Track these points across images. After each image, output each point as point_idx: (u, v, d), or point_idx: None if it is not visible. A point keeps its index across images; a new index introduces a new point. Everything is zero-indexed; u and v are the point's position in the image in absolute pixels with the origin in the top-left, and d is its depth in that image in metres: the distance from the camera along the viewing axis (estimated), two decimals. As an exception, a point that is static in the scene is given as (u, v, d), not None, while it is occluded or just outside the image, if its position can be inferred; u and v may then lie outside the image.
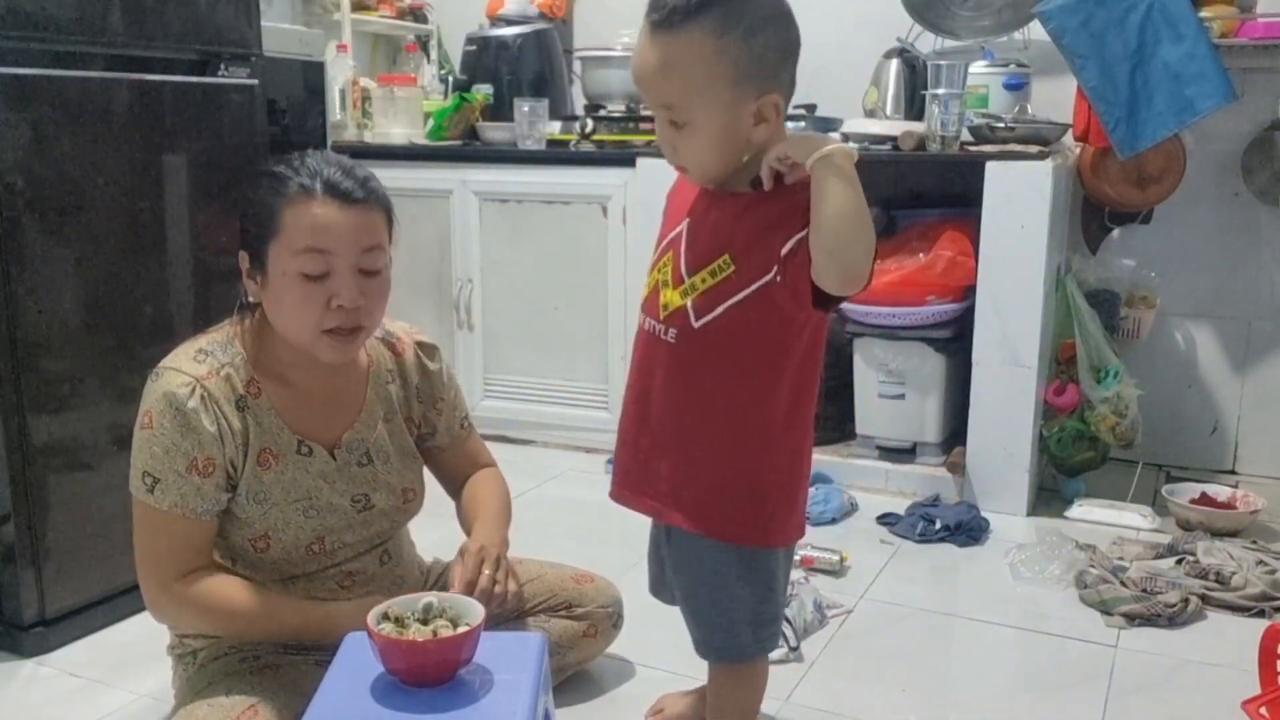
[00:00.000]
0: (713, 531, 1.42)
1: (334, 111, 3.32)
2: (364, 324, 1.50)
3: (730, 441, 1.40)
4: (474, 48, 3.57)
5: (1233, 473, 3.12)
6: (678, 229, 1.43)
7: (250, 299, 1.53)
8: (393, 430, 1.66)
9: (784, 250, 1.29)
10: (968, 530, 2.59)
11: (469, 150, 3.38)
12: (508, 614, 1.64)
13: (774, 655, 1.87)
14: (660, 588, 1.63)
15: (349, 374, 1.61)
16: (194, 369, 1.48)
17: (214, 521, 1.50)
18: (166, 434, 1.45)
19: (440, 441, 1.75)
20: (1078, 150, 2.98)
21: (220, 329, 1.56)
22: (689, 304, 1.37)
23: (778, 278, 1.31)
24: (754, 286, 1.33)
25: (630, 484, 1.50)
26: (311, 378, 1.56)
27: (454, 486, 1.80)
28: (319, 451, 1.56)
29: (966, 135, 2.81)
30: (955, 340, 2.86)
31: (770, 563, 1.46)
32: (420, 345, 1.72)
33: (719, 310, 1.35)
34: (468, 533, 1.71)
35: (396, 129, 3.45)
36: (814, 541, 2.45)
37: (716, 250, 1.36)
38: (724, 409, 1.39)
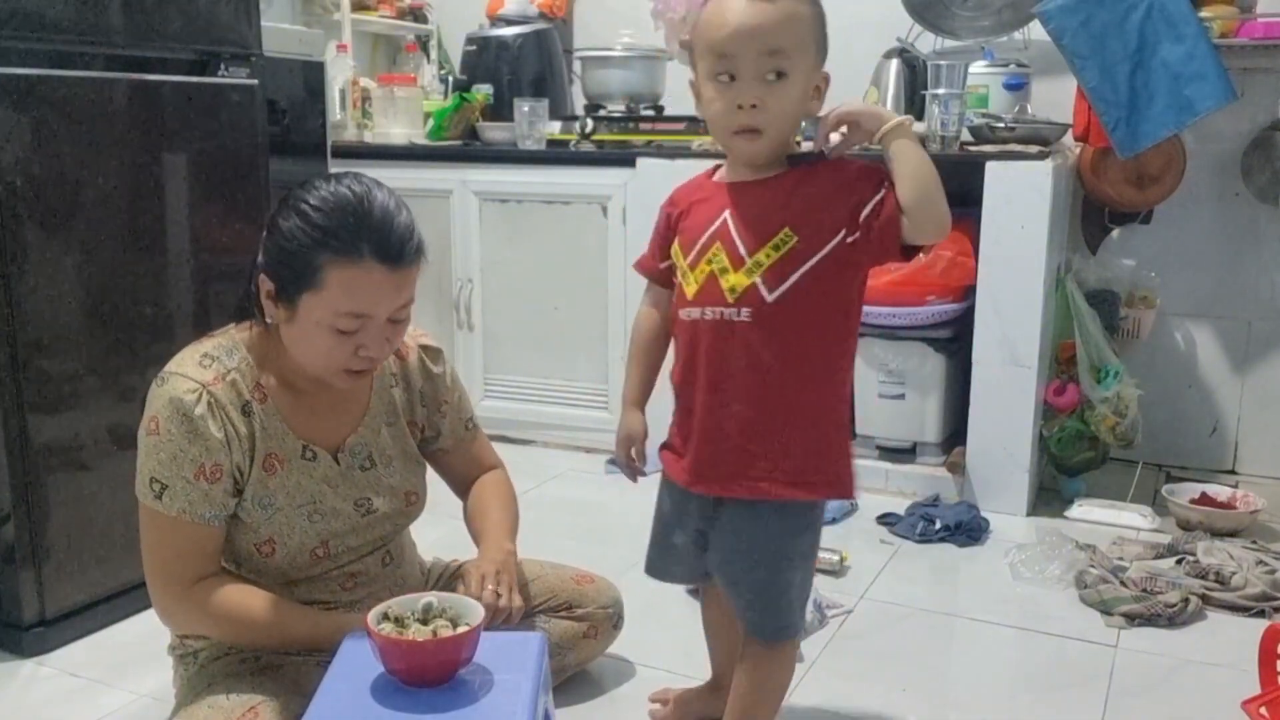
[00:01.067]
0: (814, 492, 1.47)
1: (334, 111, 3.32)
2: (381, 361, 1.53)
3: (816, 401, 1.45)
4: (474, 48, 3.57)
5: (1233, 473, 3.12)
6: (718, 220, 1.46)
7: (269, 320, 1.50)
8: (395, 434, 1.66)
9: (864, 214, 1.39)
10: (968, 530, 2.59)
11: (469, 150, 3.38)
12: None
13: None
14: (665, 569, 1.64)
15: None
16: (200, 374, 1.47)
17: (222, 527, 1.50)
18: (174, 440, 1.44)
19: (445, 444, 1.75)
20: (1078, 150, 2.98)
21: (225, 333, 1.56)
22: (758, 281, 1.41)
23: (849, 238, 1.39)
24: (824, 251, 1.41)
25: (719, 474, 1.48)
26: (317, 385, 1.56)
27: (461, 488, 1.80)
28: (323, 456, 1.56)
29: (966, 135, 2.81)
30: (955, 340, 2.86)
31: (820, 528, 1.53)
32: (424, 349, 1.72)
33: (792, 280, 1.41)
34: (475, 540, 1.71)
35: (396, 129, 3.45)
36: (814, 541, 2.45)
37: (774, 226, 1.42)
38: (808, 372, 1.44)
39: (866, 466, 2.95)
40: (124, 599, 2.10)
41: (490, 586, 1.54)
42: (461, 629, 1.28)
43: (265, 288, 1.47)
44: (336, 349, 1.45)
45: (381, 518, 1.62)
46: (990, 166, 2.68)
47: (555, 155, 3.24)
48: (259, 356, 1.53)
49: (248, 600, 1.50)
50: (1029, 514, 2.77)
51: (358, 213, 1.41)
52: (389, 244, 1.41)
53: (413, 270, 1.46)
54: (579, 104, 3.60)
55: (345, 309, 1.42)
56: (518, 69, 3.49)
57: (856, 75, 3.16)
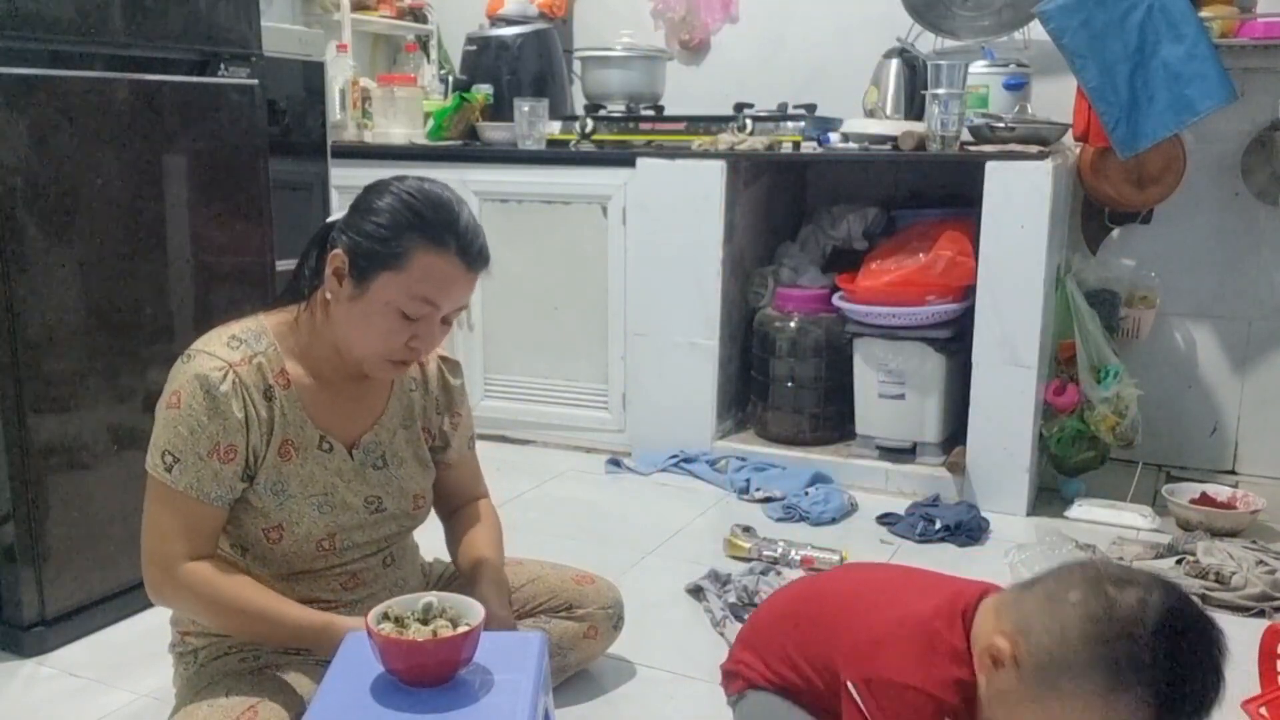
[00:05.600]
0: None
1: (334, 111, 3.31)
2: (422, 359, 1.56)
3: None
4: (474, 48, 3.57)
5: (1233, 473, 3.12)
6: None
7: (329, 297, 1.52)
8: (410, 437, 1.67)
9: None
10: (968, 530, 2.59)
11: (469, 150, 3.38)
12: None
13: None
14: None
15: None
16: (227, 354, 1.49)
17: (225, 511, 1.50)
18: (194, 415, 1.45)
19: (450, 458, 1.76)
20: (1078, 150, 2.98)
21: (254, 319, 1.57)
22: None
23: None
24: None
25: None
26: (342, 377, 1.57)
27: (449, 506, 1.80)
28: (339, 449, 1.57)
29: (966, 135, 2.81)
30: (955, 340, 2.86)
31: None
32: (444, 360, 1.74)
33: None
34: (465, 567, 1.71)
35: (396, 129, 3.45)
36: (814, 541, 2.45)
37: None
38: None
39: (866, 466, 2.95)
40: (124, 599, 2.10)
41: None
42: (461, 629, 1.28)
43: (336, 263, 1.50)
44: (394, 334, 1.48)
45: (388, 517, 1.63)
46: (990, 166, 2.68)
47: (555, 155, 3.24)
48: (285, 344, 1.55)
49: (240, 587, 1.49)
50: (1029, 514, 2.77)
51: (450, 210, 1.49)
52: (471, 245, 1.49)
53: (478, 277, 1.53)
54: (579, 104, 3.60)
55: (419, 293, 1.46)
56: (518, 69, 3.49)
57: (856, 75, 3.16)
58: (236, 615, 1.50)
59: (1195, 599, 1.19)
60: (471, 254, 1.49)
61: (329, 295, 1.52)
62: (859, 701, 1.28)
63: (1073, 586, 1.18)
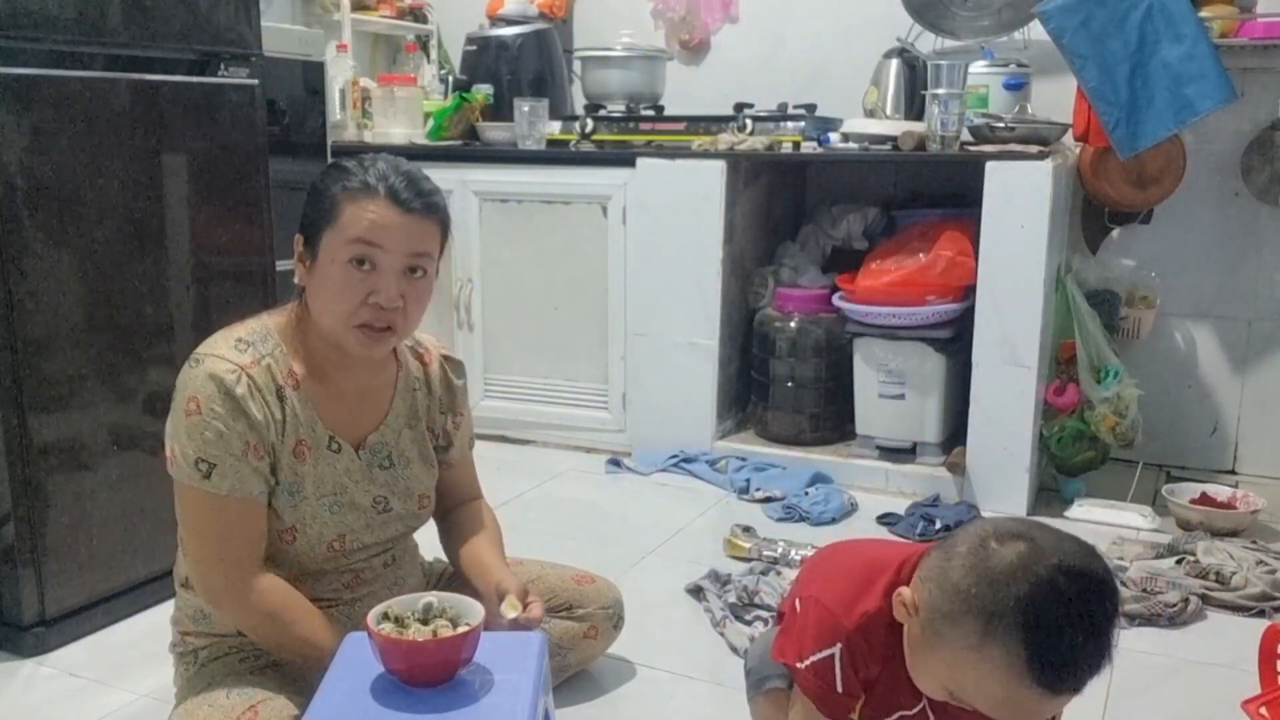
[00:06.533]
0: None
1: (334, 111, 3.32)
2: (397, 326, 1.52)
3: None
4: (474, 48, 3.57)
5: (1233, 473, 3.12)
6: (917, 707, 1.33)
7: (296, 281, 1.54)
8: (415, 437, 1.67)
9: None
10: (968, 530, 2.58)
11: (469, 150, 3.38)
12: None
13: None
14: None
15: (380, 376, 1.62)
16: (237, 357, 1.48)
17: (266, 505, 1.50)
18: (219, 418, 1.44)
19: (452, 457, 1.76)
20: (1078, 150, 2.98)
21: (258, 319, 1.57)
22: None
23: None
24: None
25: None
26: (346, 375, 1.57)
27: (445, 505, 1.79)
28: (347, 449, 1.58)
29: (966, 135, 2.81)
30: (955, 340, 2.86)
31: None
32: (447, 359, 1.74)
33: None
34: (469, 567, 1.70)
35: (396, 129, 3.45)
36: (814, 542, 2.45)
37: None
38: None
39: (866, 466, 2.95)
40: (124, 599, 2.10)
41: (534, 598, 1.58)
42: (461, 629, 1.28)
43: (298, 247, 1.52)
44: (350, 289, 1.47)
45: (394, 518, 1.63)
46: (990, 166, 2.68)
47: (555, 155, 3.24)
48: (290, 344, 1.55)
49: (304, 617, 1.49)
50: (1029, 514, 2.77)
51: (383, 167, 1.51)
52: (399, 187, 1.49)
53: (426, 223, 1.51)
54: (579, 104, 3.60)
55: (354, 235, 1.46)
56: (518, 69, 3.49)
57: (856, 75, 3.16)
58: (290, 642, 1.49)
59: (1103, 561, 1.22)
60: (401, 196, 1.48)
61: (296, 280, 1.54)
62: (797, 611, 1.34)
63: (964, 539, 1.21)
